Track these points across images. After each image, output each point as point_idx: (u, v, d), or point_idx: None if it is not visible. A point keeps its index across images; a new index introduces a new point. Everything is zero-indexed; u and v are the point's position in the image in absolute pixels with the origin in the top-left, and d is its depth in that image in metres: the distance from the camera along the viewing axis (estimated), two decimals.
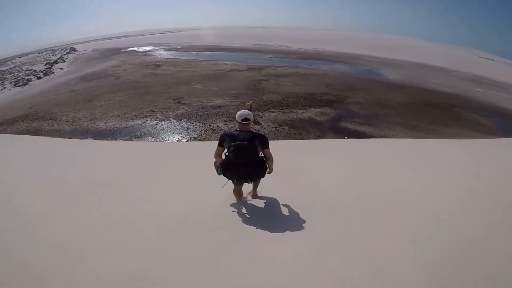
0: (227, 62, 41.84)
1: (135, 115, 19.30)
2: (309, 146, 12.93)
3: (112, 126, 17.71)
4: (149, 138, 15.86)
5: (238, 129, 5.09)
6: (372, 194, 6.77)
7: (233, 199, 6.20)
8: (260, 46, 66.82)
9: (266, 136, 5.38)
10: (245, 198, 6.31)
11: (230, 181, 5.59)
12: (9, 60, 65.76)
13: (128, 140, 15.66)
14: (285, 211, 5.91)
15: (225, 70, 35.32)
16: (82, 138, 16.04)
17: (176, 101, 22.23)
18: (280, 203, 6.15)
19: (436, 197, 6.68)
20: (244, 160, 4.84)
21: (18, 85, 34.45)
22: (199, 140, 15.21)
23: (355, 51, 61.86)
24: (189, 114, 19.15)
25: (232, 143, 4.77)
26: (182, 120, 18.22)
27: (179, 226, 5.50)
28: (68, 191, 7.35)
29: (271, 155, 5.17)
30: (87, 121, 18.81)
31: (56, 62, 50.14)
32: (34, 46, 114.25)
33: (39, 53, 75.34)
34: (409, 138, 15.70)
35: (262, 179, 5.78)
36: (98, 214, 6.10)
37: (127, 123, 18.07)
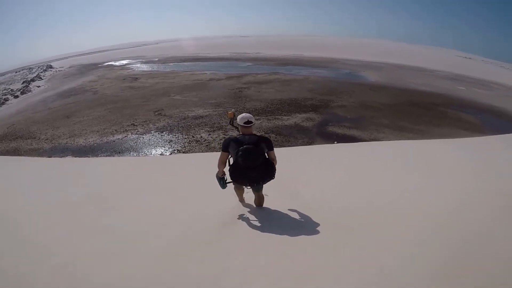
0: (206, 72, 41.70)
1: (115, 130, 18.76)
2: (299, 153, 12.48)
3: (92, 142, 17.14)
4: (131, 152, 15.36)
5: (241, 133, 4.75)
6: (369, 199, 6.38)
7: (224, 212, 5.77)
8: (237, 55, 66.97)
9: (270, 138, 4.93)
10: (244, 200, 5.96)
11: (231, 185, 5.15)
12: None
13: (110, 156, 15.11)
14: (285, 220, 5.45)
15: (204, 80, 35.15)
16: (62, 156, 15.50)
17: (156, 113, 21.76)
18: (279, 212, 5.68)
19: (434, 199, 6.30)
20: (254, 163, 4.54)
21: None
22: (183, 152, 14.74)
23: (334, 55, 62.61)
24: (170, 126, 18.70)
25: (240, 148, 4.46)
26: (164, 132, 17.76)
27: (177, 241, 4.89)
28: (58, 208, 6.77)
29: (275, 156, 4.88)
30: (66, 138, 18.22)
31: (33, 80, 49.35)
32: (11, 65, 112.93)
33: (16, 72, 74.45)
34: (398, 139, 15.53)
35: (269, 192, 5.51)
36: (94, 230, 5.52)
37: (108, 138, 17.53)
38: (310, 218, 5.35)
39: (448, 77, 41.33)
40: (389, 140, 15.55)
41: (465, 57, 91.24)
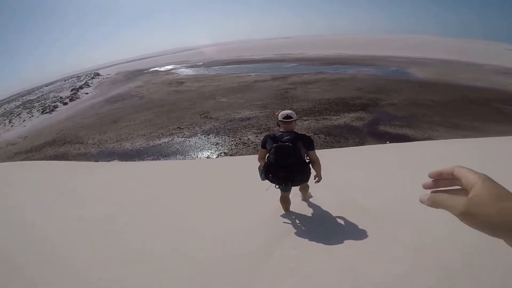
0: (250, 74, 41.49)
1: (162, 134, 18.78)
2: (351, 154, 12.01)
3: (138, 146, 17.23)
4: (177, 156, 15.21)
5: (281, 130, 4.70)
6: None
7: (274, 214, 5.72)
8: (281, 56, 66.65)
9: (311, 137, 4.94)
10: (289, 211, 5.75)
11: (274, 186, 5.03)
12: (37, 89, 68.40)
13: (156, 159, 15.07)
14: (335, 224, 5.36)
15: (249, 82, 34.90)
16: (108, 160, 15.77)
17: (202, 116, 21.64)
18: (332, 217, 5.56)
19: None
20: (284, 162, 4.41)
21: (45, 112, 35.24)
22: (230, 155, 14.44)
23: (378, 53, 61.04)
24: (217, 129, 18.46)
25: (274, 144, 4.44)
26: (210, 135, 17.56)
27: (227, 244, 5.09)
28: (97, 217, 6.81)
29: (317, 158, 4.68)
30: (113, 143, 18.47)
31: (81, 87, 51.14)
32: (60, 74, 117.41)
33: (65, 81, 77.46)
34: (454, 138, 14.60)
35: (312, 190, 5.57)
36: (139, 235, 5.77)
37: (154, 142, 17.56)
38: (362, 220, 5.23)
39: (499, 71, 38.93)
40: (444, 139, 14.58)
41: (510, 50, 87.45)
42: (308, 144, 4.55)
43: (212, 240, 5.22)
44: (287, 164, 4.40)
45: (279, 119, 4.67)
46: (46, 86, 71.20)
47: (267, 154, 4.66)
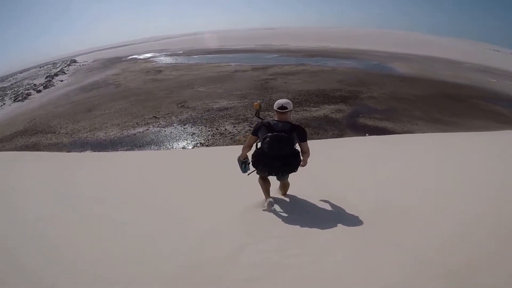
0: (231, 64, 41.16)
1: (137, 123, 18.26)
2: (329, 146, 11.79)
3: (112, 136, 16.70)
4: (152, 146, 14.78)
5: (275, 119, 4.46)
6: (399, 194, 5.91)
7: (254, 207, 5.34)
8: (263, 47, 66.47)
9: (305, 129, 4.58)
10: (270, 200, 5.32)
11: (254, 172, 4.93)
12: (11, 76, 66.37)
13: (129, 150, 14.58)
14: (313, 213, 5.13)
15: (229, 71, 34.61)
16: (81, 151, 15.17)
17: (179, 105, 21.20)
18: (310, 205, 5.34)
19: (465, 197, 5.65)
20: (278, 152, 4.29)
21: (17, 100, 34.07)
22: (206, 145, 14.10)
23: (360, 46, 61.38)
24: (193, 119, 18.07)
25: (269, 134, 4.21)
26: (187, 125, 17.17)
27: (205, 236, 4.69)
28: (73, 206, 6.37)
29: (308, 149, 4.54)
30: (86, 132, 17.85)
31: (56, 74, 49.73)
32: (35, 60, 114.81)
33: (40, 67, 75.59)
34: (433, 132, 14.81)
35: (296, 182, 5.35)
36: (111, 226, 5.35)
37: (128, 131, 17.04)
38: (344, 210, 5.09)
39: (479, 69, 40.09)
40: (423, 133, 14.90)
41: (493, 50, 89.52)
42: (302, 135, 4.39)
43: (190, 235, 4.78)
44: (282, 154, 4.32)
45: (274, 109, 4.43)
46: (21, 73, 69.45)
47: (257, 142, 4.59)
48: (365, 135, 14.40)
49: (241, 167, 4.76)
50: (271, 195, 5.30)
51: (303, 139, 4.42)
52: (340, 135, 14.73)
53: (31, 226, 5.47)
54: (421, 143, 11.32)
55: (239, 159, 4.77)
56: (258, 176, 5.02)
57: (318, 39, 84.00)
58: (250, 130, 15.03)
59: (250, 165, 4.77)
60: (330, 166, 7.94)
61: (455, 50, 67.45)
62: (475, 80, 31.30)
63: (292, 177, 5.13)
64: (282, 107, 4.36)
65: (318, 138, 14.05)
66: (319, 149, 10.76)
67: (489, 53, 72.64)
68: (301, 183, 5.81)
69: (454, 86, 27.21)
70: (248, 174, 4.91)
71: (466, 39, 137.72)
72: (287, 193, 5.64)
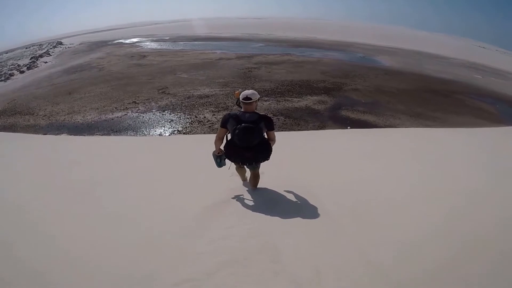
0: (216, 51, 40.79)
1: (116, 108, 17.96)
2: (309, 138, 11.71)
3: (90, 120, 16.39)
4: (129, 131, 14.52)
5: (242, 110, 4.85)
6: (375, 189, 6.28)
7: (221, 193, 5.85)
8: (249, 35, 65.99)
9: (271, 117, 5.05)
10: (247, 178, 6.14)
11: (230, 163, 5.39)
12: None
13: (106, 134, 14.36)
14: (280, 203, 5.54)
15: (213, 59, 34.27)
16: (57, 134, 14.93)
17: (160, 91, 20.92)
18: (275, 194, 5.83)
19: (444, 193, 6.16)
20: (249, 143, 4.62)
21: (0, 80, 33.18)
22: (184, 133, 13.91)
23: (347, 39, 61.51)
24: (173, 105, 17.83)
25: (238, 126, 4.55)
26: (166, 111, 16.92)
27: (178, 222, 4.98)
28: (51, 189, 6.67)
29: (275, 137, 5.01)
30: (64, 115, 17.51)
31: (41, 56, 48.72)
32: (22, 41, 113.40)
33: (26, 48, 74.32)
34: (415, 127, 14.91)
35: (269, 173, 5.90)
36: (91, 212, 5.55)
37: (106, 116, 16.76)
38: (307, 202, 5.38)
39: (464, 65, 40.67)
40: (405, 127, 14.89)
41: (479, 46, 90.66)
42: (270, 124, 4.81)
43: (161, 225, 4.92)
44: (253, 145, 4.63)
45: (240, 99, 4.75)
46: (6, 53, 68.12)
47: (227, 134, 4.92)
48: (347, 128, 14.40)
49: (216, 162, 5.01)
50: (247, 186, 5.88)
51: (270, 127, 4.81)
52: (322, 127, 14.57)
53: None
54: (403, 138, 11.36)
55: (213, 154, 5.00)
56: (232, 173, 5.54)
57: (306, 30, 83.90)
58: None
59: (226, 160, 5.05)
60: (305, 159, 7.93)
61: (441, 45, 68.35)
62: (459, 75, 31.56)
63: (264, 168, 5.47)
64: (247, 98, 4.66)
65: (299, 130, 13.95)
66: (298, 141, 10.73)
67: (474, 50, 73.78)
68: (273, 174, 6.18)
69: (439, 81, 27.41)
70: (221, 168, 5.15)
71: (452, 35, 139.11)
72: (258, 186, 5.85)
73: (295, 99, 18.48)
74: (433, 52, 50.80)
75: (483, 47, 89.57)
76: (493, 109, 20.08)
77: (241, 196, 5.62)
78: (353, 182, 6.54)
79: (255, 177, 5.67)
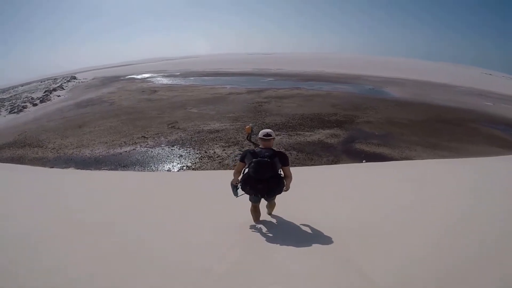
0: (226, 86, 41.10)
1: (124, 142, 17.84)
2: (323, 173, 11.28)
3: (98, 154, 16.27)
4: (136, 167, 14.26)
5: (260, 147, 5.05)
6: (404, 224, 5.79)
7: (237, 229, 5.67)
8: (259, 70, 66.78)
9: (287, 154, 5.31)
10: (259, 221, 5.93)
11: (247, 197, 5.33)
12: (12, 89, 67.24)
13: (113, 169, 14.09)
14: (301, 233, 5.42)
15: (223, 94, 34.44)
16: (64, 167, 14.81)
17: (170, 126, 20.82)
18: (298, 227, 5.63)
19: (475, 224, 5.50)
20: (262, 176, 4.72)
21: (13, 112, 34.24)
22: (193, 169, 13.58)
23: (355, 71, 61.83)
24: (183, 140, 17.66)
25: (253, 159, 4.74)
26: (175, 146, 16.71)
27: (183, 265, 4.47)
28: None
29: (290, 173, 5.03)
30: (72, 149, 17.49)
31: (55, 89, 50.02)
32: (39, 75, 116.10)
33: (41, 82, 76.38)
34: (432, 158, 14.41)
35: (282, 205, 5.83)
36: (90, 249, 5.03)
37: (115, 150, 16.62)
38: (321, 233, 5.25)
39: (473, 93, 40.68)
40: (422, 159, 14.42)
41: (486, 73, 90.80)
42: (284, 160, 4.86)
43: (173, 262, 4.56)
44: (265, 177, 4.69)
45: (259, 136, 4.93)
46: (22, 86, 70.23)
47: (244, 168, 4.96)
48: (362, 162, 14.06)
49: (233, 191, 5.08)
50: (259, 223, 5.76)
51: (285, 163, 4.86)
52: (336, 161, 14.26)
53: None
54: (421, 170, 10.96)
55: (231, 183, 5.12)
56: (244, 198, 5.23)
57: (313, 64, 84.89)
58: (240, 153, 14.60)
59: (242, 192, 5.06)
60: (320, 194, 7.59)
61: (448, 74, 68.48)
62: (470, 103, 31.43)
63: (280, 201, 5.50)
64: (267, 135, 4.88)
65: (312, 164, 13.63)
66: (310, 176, 10.32)
67: (482, 77, 73.98)
68: (286, 206, 6.03)
69: (450, 110, 27.20)
70: (238, 197, 5.15)
71: (458, 64, 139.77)
72: (273, 213, 5.99)
73: (307, 133, 18.20)
74: (441, 81, 51.02)
75: (490, 74, 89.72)
76: (508, 136, 19.77)
77: (255, 228, 5.59)
78: (362, 217, 6.11)
79: (271, 206, 5.77)
